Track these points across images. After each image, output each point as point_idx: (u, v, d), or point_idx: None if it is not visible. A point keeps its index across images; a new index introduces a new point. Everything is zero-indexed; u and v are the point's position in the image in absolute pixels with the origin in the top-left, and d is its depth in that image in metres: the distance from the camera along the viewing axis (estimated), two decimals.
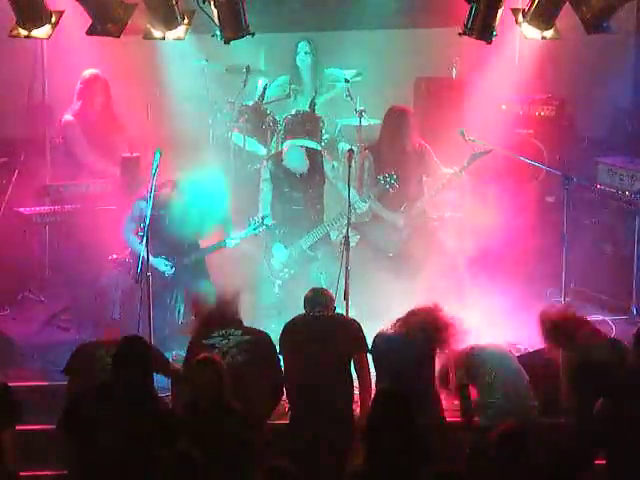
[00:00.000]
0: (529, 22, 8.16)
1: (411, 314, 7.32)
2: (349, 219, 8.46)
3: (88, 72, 10.06)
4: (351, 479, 6.26)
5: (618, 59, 11.59)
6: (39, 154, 10.70)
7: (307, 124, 10.26)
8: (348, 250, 8.17)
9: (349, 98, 10.56)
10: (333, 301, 7.49)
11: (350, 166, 8.44)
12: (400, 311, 7.49)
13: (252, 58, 10.77)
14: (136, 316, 7.97)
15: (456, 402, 7.38)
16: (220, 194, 9.06)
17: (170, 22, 8.03)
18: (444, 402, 7.27)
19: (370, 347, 7.26)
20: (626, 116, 11.56)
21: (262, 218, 8.99)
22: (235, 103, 10.71)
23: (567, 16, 8.13)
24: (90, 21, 8.01)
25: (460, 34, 8.12)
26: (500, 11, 7.96)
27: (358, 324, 7.36)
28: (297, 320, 7.39)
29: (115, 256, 9.07)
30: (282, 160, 9.27)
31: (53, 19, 7.98)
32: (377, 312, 8.17)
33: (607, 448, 6.88)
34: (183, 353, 7.46)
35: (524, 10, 8.23)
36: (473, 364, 7.06)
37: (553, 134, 10.99)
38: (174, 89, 10.94)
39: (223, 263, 9.40)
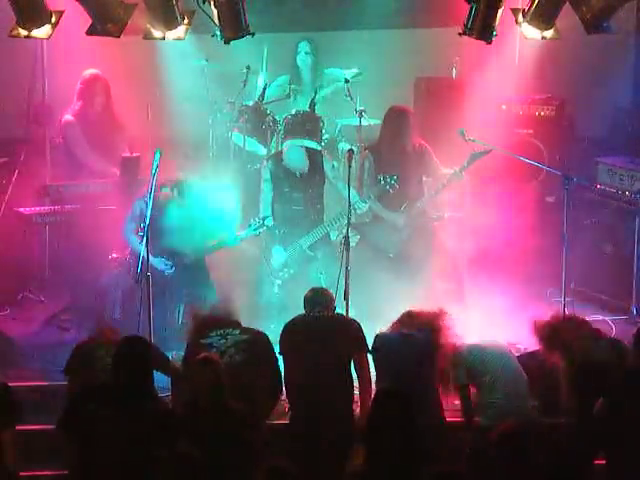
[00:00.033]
0: (529, 22, 8.16)
1: (411, 316, 7.32)
2: (349, 219, 8.45)
3: (88, 72, 10.06)
4: (351, 479, 6.26)
5: (618, 59, 11.59)
6: (39, 154, 10.70)
7: (307, 124, 10.25)
8: (348, 250, 8.16)
9: (349, 98, 10.56)
10: (333, 301, 7.49)
11: (350, 166, 8.43)
12: (400, 311, 7.49)
13: (253, 58, 10.76)
14: (136, 316, 7.97)
15: (456, 402, 7.39)
16: (230, 203, 9.08)
17: (170, 22, 8.02)
18: (444, 402, 7.26)
19: (370, 347, 7.26)
20: (626, 116, 11.56)
21: (263, 219, 8.98)
22: (235, 103, 10.71)
23: (567, 16, 8.13)
24: (90, 21, 8.01)
25: (460, 34, 8.12)
26: (500, 11, 7.96)
27: (358, 324, 7.36)
28: (297, 320, 7.39)
29: (115, 255, 9.08)
30: (282, 160, 9.27)
31: (53, 19, 7.98)
32: (377, 312, 8.17)
33: (607, 448, 6.89)
34: (183, 353, 7.46)
35: (524, 10, 8.23)
36: (473, 364, 7.06)
37: (553, 134, 10.98)
38: (174, 89, 10.94)
39: (223, 263, 9.41)
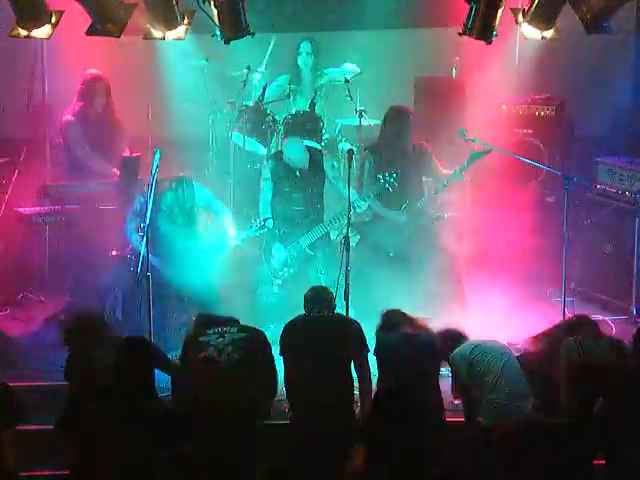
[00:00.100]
0: (529, 22, 8.16)
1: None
2: (349, 219, 8.45)
3: (89, 72, 10.07)
4: (351, 479, 6.26)
5: (618, 59, 11.61)
6: (39, 154, 10.71)
7: (307, 124, 10.28)
8: (348, 250, 8.16)
9: (349, 98, 10.56)
10: (333, 300, 7.49)
11: (350, 166, 8.43)
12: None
13: (253, 58, 10.76)
14: (137, 315, 7.97)
15: (456, 402, 7.38)
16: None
17: (170, 22, 8.02)
18: (444, 402, 7.26)
19: (372, 348, 7.26)
20: (626, 116, 11.57)
21: (264, 220, 8.98)
22: (235, 103, 10.72)
23: (567, 16, 8.13)
24: (90, 21, 8.01)
25: (460, 34, 8.11)
26: (500, 11, 7.95)
27: (358, 324, 7.36)
28: (297, 320, 7.39)
29: (115, 253, 9.07)
30: (283, 159, 9.25)
31: (53, 19, 7.97)
32: (377, 312, 8.15)
33: (607, 448, 6.89)
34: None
35: (524, 10, 8.22)
36: (475, 363, 7.06)
37: (553, 134, 10.99)
38: (174, 89, 10.95)
39: (223, 263, 9.41)
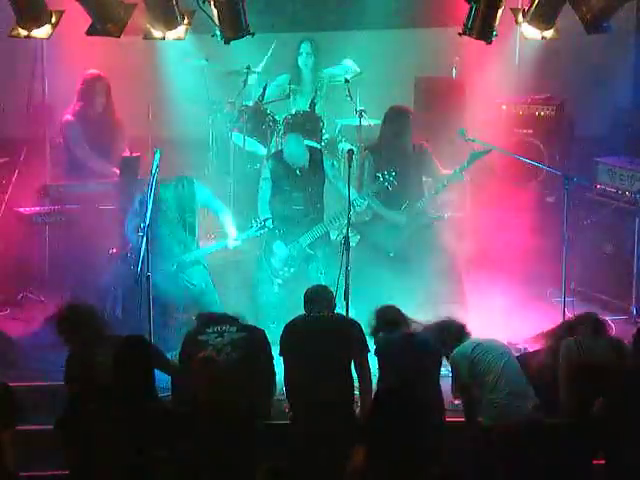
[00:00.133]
0: (529, 22, 8.16)
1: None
2: (349, 219, 8.45)
3: (89, 72, 10.06)
4: (351, 479, 6.26)
5: (618, 59, 11.61)
6: (39, 154, 10.70)
7: (307, 124, 10.28)
8: (348, 250, 8.16)
9: (349, 98, 10.56)
10: (333, 299, 7.49)
11: (350, 166, 8.43)
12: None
13: (253, 58, 10.76)
14: (137, 315, 7.97)
15: (456, 402, 7.38)
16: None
17: (170, 22, 8.02)
18: (444, 402, 7.26)
19: (373, 348, 7.25)
20: (626, 116, 11.57)
21: (264, 220, 8.98)
22: (235, 103, 10.72)
23: (567, 16, 8.13)
24: (90, 21, 8.01)
25: (460, 34, 8.12)
26: (500, 11, 7.95)
27: (358, 324, 7.36)
28: (297, 321, 7.39)
29: (114, 250, 9.06)
30: (283, 158, 9.24)
31: (53, 19, 7.98)
32: None
33: (606, 448, 6.89)
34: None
35: (524, 10, 8.22)
36: (476, 363, 7.05)
37: (553, 134, 10.99)
38: (174, 89, 10.95)
39: (224, 263, 9.42)
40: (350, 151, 8.60)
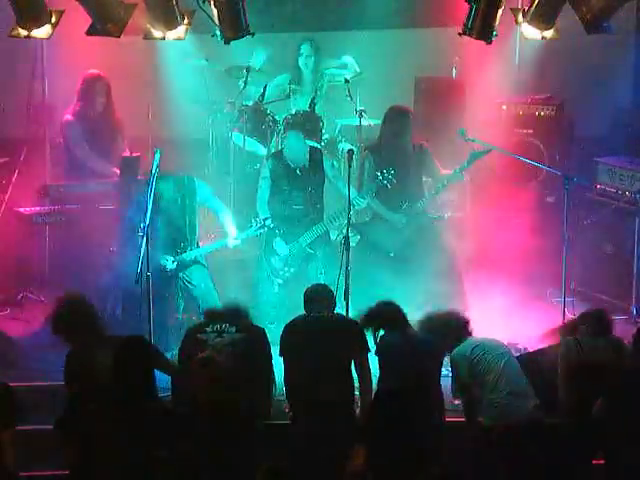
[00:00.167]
0: (529, 22, 8.16)
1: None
2: (349, 219, 8.45)
3: (89, 72, 10.06)
4: (351, 479, 6.26)
5: (618, 59, 11.60)
6: (39, 154, 10.70)
7: (307, 124, 10.28)
8: (348, 250, 8.16)
9: (349, 98, 10.56)
10: (333, 298, 7.49)
11: (350, 166, 8.43)
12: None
13: (251, 57, 10.77)
14: (137, 315, 7.97)
15: (456, 402, 7.38)
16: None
17: (170, 22, 8.02)
18: (445, 402, 7.26)
19: (373, 348, 7.25)
20: (626, 116, 11.57)
21: (264, 220, 8.97)
22: (235, 103, 10.72)
23: (567, 16, 8.13)
24: (90, 21, 8.01)
25: (460, 34, 8.11)
26: (500, 11, 7.95)
27: (359, 324, 7.36)
28: (297, 321, 7.39)
29: (114, 249, 9.05)
30: (283, 157, 9.23)
31: (53, 19, 7.97)
32: None
33: (606, 448, 6.89)
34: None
35: (524, 10, 8.22)
36: (476, 363, 7.05)
37: (553, 134, 10.99)
38: (174, 89, 10.95)
39: (224, 263, 9.41)
40: (350, 151, 8.60)
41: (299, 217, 9.21)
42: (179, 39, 8.17)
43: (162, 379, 7.19)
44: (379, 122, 9.65)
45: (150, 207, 7.97)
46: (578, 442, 6.92)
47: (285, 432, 7.21)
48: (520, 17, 8.22)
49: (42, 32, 8.01)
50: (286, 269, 9.19)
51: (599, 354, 7.08)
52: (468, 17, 8.03)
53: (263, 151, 10.58)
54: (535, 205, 10.55)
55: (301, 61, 10.99)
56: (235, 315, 7.34)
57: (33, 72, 11.01)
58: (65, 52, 10.29)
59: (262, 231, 8.97)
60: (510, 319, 8.89)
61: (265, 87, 10.67)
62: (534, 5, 8.03)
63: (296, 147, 9.15)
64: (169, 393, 7.32)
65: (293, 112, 10.63)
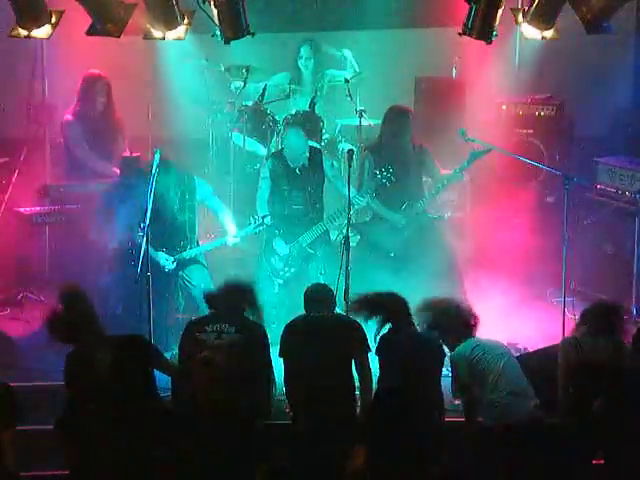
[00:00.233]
0: (529, 22, 8.16)
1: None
2: (349, 219, 8.45)
3: (90, 71, 10.07)
4: (351, 479, 6.26)
5: (618, 59, 11.61)
6: (39, 154, 10.70)
7: (307, 124, 10.28)
8: (348, 250, 8.16)
9: (349, 98, 10.57)
10: (334, 298, 7.49)
11: (350, 166, 8.43)
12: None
13: (253, 58, 10.77)
14: (137, 314, 7.97)
15: (457, 402, 7.38)
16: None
17: (170, 22, 8.02)
18: (444, 402, 7.26)
19: (374, 348, 7.25)
20: (626, 116, 11.57)
21: (262, 217, 8.97)
22: (235, 103, 10.72)
23: (567, 16, 8.13)
24: (90, 21, 8.01)
25: (460, 34, 8.12)
26: (500, 11, 7.95)
27: (359, 324, 7.35)
28: (297, 321, 7.39)
29: (115, 246, 9.04)
30: (282, 157, 9.23)
31: (53, 19, 7.98)
32: None
33: (606, 448, 6.88)
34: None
35: (524, 10, 8.22)
36: (475, 363, 7.05)
37: (553, 134, 11.00)
38: (174, 89, 10.95)
39: (223, 262, 9.41)
40: (350, 151, 8.60)
41: (299, 217, 9.21)
42: (179, 39, 8.17)
43: (162, 379, 7.19)
44: (379, 122, 9.65)
45: (150, 207, 7.97)
46: (578, 442, 6.92)
47: (285, 432, 7.21)
48: (520, 17, 8.22)
49: (42, 32, 8.01)
50: (286, 269, 9.19)
51: (599, 354, 7.08)
52: (468, 17, 8.03)
53: (263, 151, 10.58)
54: (535, 205, 10.55)
55: (301, 63, 11.00)
56: (234, 314, 7.33)
57: (33, 72, 11.01)
58: (65, 52, 10.30)
59: (261, 228, 8.96)
60: (510, 319, 8.89)
61: (265, 87, 10.67)
62: (534, 5, 8.03)
63: (296, 144, 9.15)
64: (169, 393, 7.32)
65: (293, 112, 10.63)
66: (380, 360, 7.19)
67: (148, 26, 8.09)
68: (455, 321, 7.18)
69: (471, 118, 10.53)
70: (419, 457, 5.87)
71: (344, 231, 8.40)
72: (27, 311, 9.55)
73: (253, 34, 8.11)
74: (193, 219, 8.97)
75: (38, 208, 9.69)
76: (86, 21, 8.02)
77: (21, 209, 9.72)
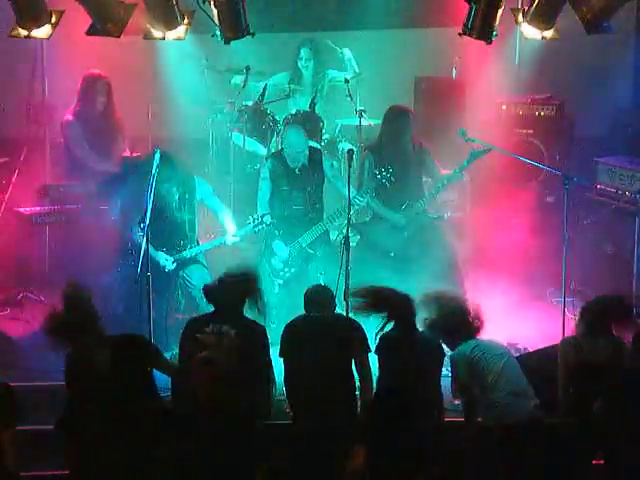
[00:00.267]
0: (529, 22, 8.16)
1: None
2: (349, 219, 8.45)
3: (90, 71, 10.07)
4: (351, 479, 6.26)
5: (618, 59, 11.61)
6: (39, 154, 10.71)
7: (307, 124, 10.28)
8: (348, 250, 8.16)
9: (349, 98, 10.57)
10: (333, 298, 7.49)
11: (350, 166, 8.43)
12: None
13: (253, 58, 10.77)
14: (138, 314, 7.97)
15: (456, 402, 7.38)
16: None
17: (170, 22, 8.03)
18: (444, 402, 7.26)
19: (374, 348, 7.25)
20: (626, 116, 11.58)
21: (261, 217, 8.97)
22: (235, 103, 10.73)
23: (567, 16, 8.13)
24: (90, 21, 8.01)
25: (460, 34, 8.12)
26: (500, 11, 7.96)
27: (359, 324, 7.36)
28: (297, 321, 7.39)
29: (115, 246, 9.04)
30: (282, 157, 9.22)
31: (53, 19, 7.99)
32: None
33: (605, 448, 6.88)
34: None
35: (524, 10, 8.23)
36: (475, 363, 7.05)
37: (553, 134, 11.00)
38: (174, 89, 10.96)
39: (223, 262, 9.40)
40: (350, 151, 8.60)
41: (298, 217, 9.20)
42: (179, 39, 8.18)
43: (162, 379, 7.19)
44: (379, 122, 9.65)
45: (150, 206, 7.97)
46: (578, 442, 6.92)
47: (285, 432, 7.21)
48: (520, 17, 8.23)
49: (42, 32, 8.02)
50: (286, 269, 9.19)
51: (598, 354, 7.08)
52: (468, 17, 8.03)
53: (263, 151, 10.58)
54: (535, 205, 10.56)
55: (300, 64, 11.01)
56: (234, 312, 7.33)
57: (33, 72, 11.02)
58: (65, 52, 10.30)
59: (260, 227, 8.95)
60: (510, 319, 8.89)
61: (265, 87, 10.67)
62: (534, 5, 8.04)
63: (296, 142, 9.14)
64: (169, 393, 7.32)
65: (293, 112, 10.64)
66: (380, 360, 7.19)
67: (148, 26, 8.10)
68: (460, 323, 7.17)
69: (471, 118, 10.53)
70: (419, 457, 5.87)
71: (344, 231, 8.39)
72: (27, 311, 9.55)
73: (253, 34, 8.12)
74: (193, 218, 8.97)
75: (38, 208, 9.69)
76: (86, 21, 8.03)
77: (21, 209, 9.73)
